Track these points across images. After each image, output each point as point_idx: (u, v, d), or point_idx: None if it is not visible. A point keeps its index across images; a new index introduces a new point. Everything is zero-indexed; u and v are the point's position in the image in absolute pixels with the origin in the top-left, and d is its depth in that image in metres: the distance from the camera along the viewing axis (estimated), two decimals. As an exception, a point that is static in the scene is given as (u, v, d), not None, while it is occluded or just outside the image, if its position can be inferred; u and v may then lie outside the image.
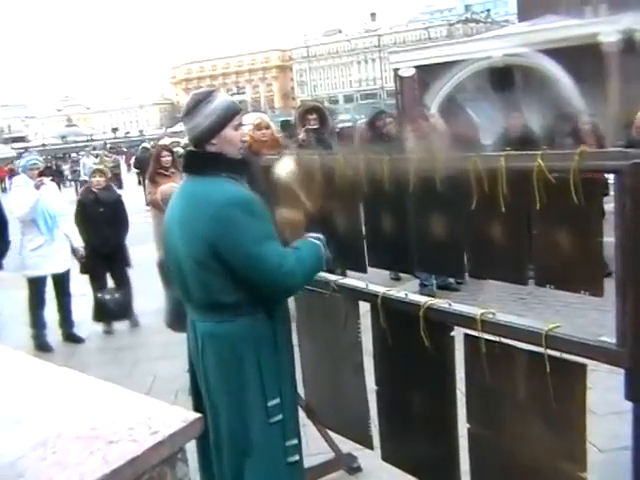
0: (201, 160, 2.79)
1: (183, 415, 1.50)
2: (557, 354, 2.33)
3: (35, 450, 1.39)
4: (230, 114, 2.76)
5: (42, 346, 6.89)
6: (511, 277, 2.67)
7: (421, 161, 2.84)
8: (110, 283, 7.66)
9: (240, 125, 2.86)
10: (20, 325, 7.23)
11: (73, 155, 40.00)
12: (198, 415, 1.50)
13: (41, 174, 7.23)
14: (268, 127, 6.14)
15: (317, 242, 2.83)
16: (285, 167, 3.05)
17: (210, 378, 2.80)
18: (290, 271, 2.65)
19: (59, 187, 25.75)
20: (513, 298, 6.40)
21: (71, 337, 7.33)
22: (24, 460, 1.35)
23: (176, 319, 4.45)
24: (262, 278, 2.64)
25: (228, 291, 2.68)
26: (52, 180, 7.59)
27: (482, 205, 2.58)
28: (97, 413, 1.55)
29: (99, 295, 7.36)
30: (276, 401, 2.76)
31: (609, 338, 2.25)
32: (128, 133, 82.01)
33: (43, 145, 66.85)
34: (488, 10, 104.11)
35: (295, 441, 2.87)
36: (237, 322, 2.72)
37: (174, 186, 5.85)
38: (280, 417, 2.77)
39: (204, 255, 2.64)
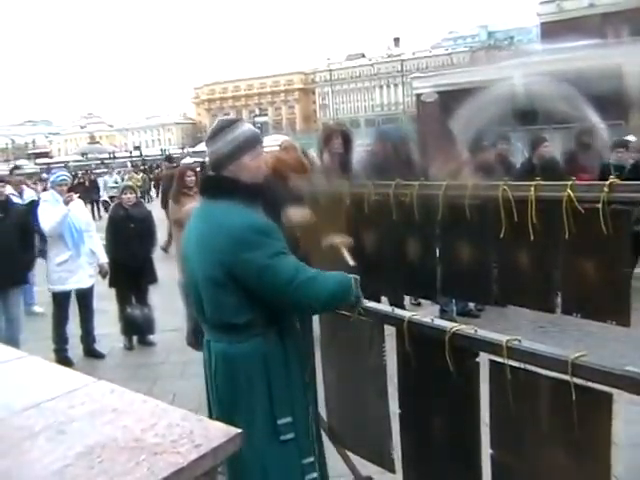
0: (217, 184, 2.88)
1: (224, 430, 1.54)
2: (582, 382, 2.35)
3: (81, 459, 1.43)
4: (250, 144, 2.87)
5: (63, 360, 6.94)
6: (538, 305, 2.69)
7: (450, 188, 2.88)
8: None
9: (259, 155, 2.94)
10: (42, 339, 7.31)
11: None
12: (238, 430, 1.55)
13: (70, 190, 7.35)
14: (294, 150, 6.19)
15: (348, 275, 2.87)
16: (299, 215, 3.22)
17: (222, 396, 2.89)
18: (303, 283, 2.70)
19: (96, 205, 25.40)
20: (533, 326, 6.38)
21: (92, 352, 7.41)
22: (72, 468, 1.39)
23: (197, 338, 4.50)
24: (275, 289, 2.70)
25: (240, 312, 2.77)
26: (80, 197, 7.69)
27: (511, 233, 2.61)
28: (140, 425, 1.59)
29: (128, 310, 7.47)
30: (287, 420, 2.84)
31: (635, 368, 2.26)
32: (140, 153, 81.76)
33: (65, 162, 67.35)
34: (511, 37, 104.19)
35: (311, 459, 2.93)
36: (248, 343, 2.81)
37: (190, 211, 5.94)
38: (292, 435, 2.84)
39: (219, 276, 2.73)
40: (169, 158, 22.01)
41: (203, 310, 2.89)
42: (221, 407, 2.91)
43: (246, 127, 2.93)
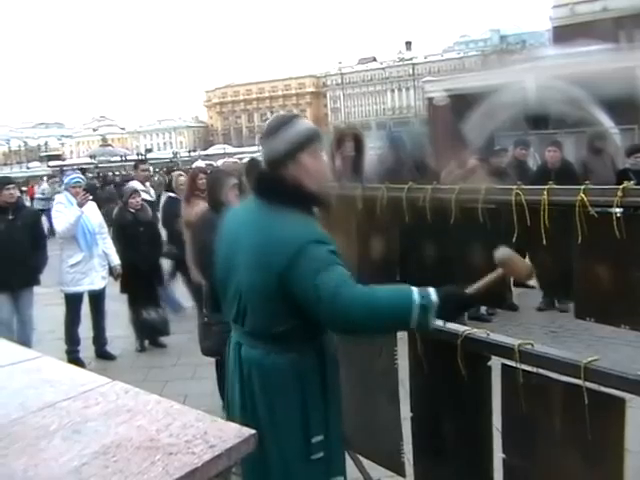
0: (277, 187, 2.67)
1: (238, 431, 1.55)
2: (595, 387, 2.34)
3: (97, 458, 1.45)
4: (308, 139, 2.68)
5: (75, 362, 6.96)
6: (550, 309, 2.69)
7: (463, 192, 2.89)
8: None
9: (319, 153, 2.74)
10: (54, 340, 7.37)
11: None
12: (252, 431, 1.55)
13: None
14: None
15: (412, 291, 2.49)
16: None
17: (257, 404, 2.73)
18: (339, 293, 2.42)
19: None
20: (544, 331, 6.37)
21: (104, 354, 7.45)
22: (87, 467, 1.41)
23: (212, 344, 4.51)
24: (317, 308, 2.48)
25: (282, 322, 2.60)
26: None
27: (523, 237, 2.61)
28: (154, 426, 1.60)
29: (144, 314, 7.49)
30: (320, 438, 2.69)
31: (648, 373, 2.26)
32: (142, 156, 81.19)
33: (77, 165, 67.61)
34: (523, 41, 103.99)
35: (341, 478, 2.84)
36: (284, 356, 2.65)
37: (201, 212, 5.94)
38: (322, 454, 2.70)
39: (270, 284, 2.53)
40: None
41: (240, 314, 2.72)
42: (255, 415, 2.72)
43: (305, 123, 2.75)
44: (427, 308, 2.45)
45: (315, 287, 2.44)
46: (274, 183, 2.69)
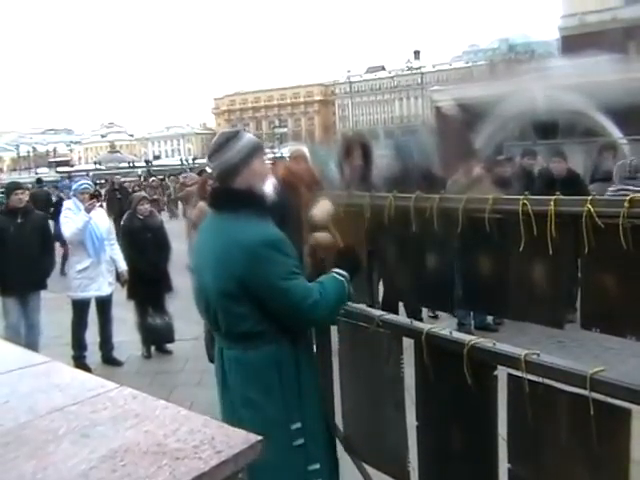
0: (230, 197, 2.92)
1: (245, 436, 1.56)
2: (601, 398, 2.34)
3: (105, 462, 1.46)
4: (256, 149, 2.95)
5: (81, 367, 6.99)
6: (549, 320, 2.70)
7: (470, 202, 2.89)
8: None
9: (265, 161, 3.09)
10: (61, 346, 7.39)
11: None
12: (259, 437, 1.57)
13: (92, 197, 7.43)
14: (304, 160, 6.09)
15: (341, 278, 2.98)
16: (322, 208, 3.30)
17: (236, 401, 2.94)
18: (314, 304, 2.82)
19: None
20: (552, 341, 6.34)
21: (110, 360, 7.48)
22: (95, 471, 1.42)
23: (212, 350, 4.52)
24: (288, 310, 2.81)
25: (253, 322, 2.84)
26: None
27: (530, 247, 2.62)
28: (162, 431, 1.62)
29: (150, 320, 7.51)
30: (297, 425, 2.90)
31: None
32: (149, 163, 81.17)
33: (85, 171, 67.80)
34: (532, 51, 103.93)
35: (317, 466, 2.98)
36: (261, 350, 2.87)
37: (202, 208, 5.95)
38: (302, 441, 2.91)
39: (233, 288, 2.79)
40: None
41: (216, 320, 2.95)
42: (236, 411, 2.95)
43: (249, 135, 3.03)
44: (349, 280, 3.01)
45: (284, 291, 2.78)
46: (227, 194, 2.95)
